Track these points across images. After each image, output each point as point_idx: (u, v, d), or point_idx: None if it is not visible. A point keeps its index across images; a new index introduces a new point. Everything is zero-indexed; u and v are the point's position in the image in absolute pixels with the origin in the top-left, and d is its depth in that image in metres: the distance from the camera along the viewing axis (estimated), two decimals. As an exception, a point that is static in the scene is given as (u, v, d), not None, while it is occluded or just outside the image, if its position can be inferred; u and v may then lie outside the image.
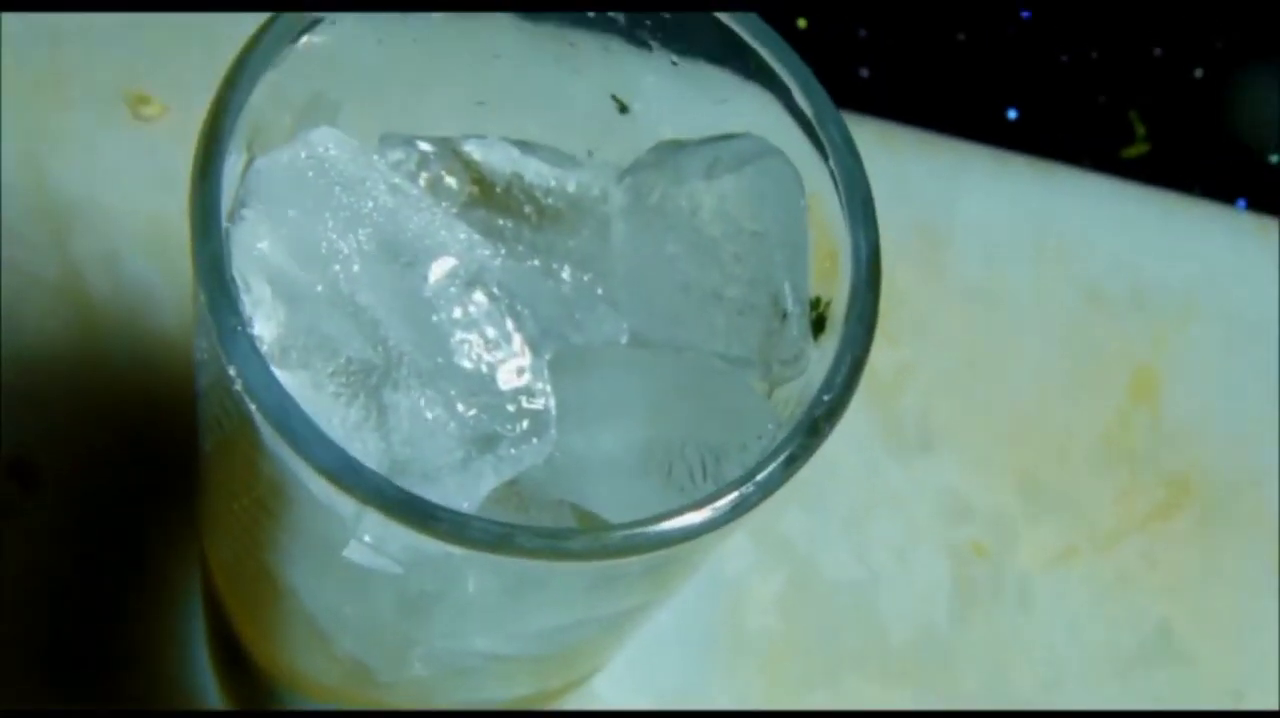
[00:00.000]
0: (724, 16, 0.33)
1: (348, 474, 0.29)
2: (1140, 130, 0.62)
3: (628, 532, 0.30)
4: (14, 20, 0.56)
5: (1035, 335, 0.58)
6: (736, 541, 0.54)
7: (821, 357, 0.33)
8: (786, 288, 0.33)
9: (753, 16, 0.33)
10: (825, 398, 0.31)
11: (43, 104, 0.55)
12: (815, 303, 0.34)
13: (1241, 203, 0.61)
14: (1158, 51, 0.63)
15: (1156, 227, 0.60)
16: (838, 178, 0.32)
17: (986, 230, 0.59)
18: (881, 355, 0.57)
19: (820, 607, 0.54)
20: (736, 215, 0.34)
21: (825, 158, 0.33)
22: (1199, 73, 0.63)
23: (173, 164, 0.55)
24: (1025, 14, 0.64)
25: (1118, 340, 0.59)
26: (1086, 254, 0.59)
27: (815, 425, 0.31)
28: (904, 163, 0.59)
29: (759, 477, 0.30)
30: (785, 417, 0.34)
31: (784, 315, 0.33)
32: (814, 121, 0.33)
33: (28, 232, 0.54)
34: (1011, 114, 0.63)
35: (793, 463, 0.31)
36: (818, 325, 0.33)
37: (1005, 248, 0.59)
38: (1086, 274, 0.59)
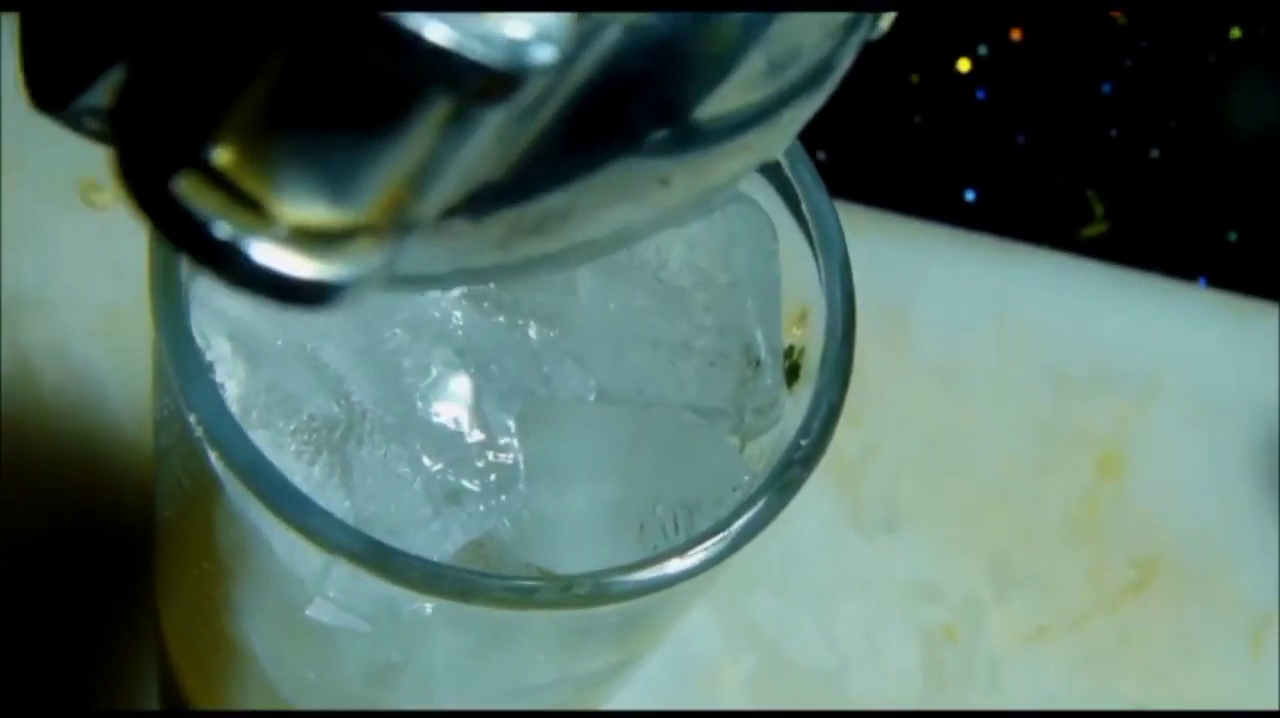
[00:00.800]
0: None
1: (316, 522, 0.28)
2: (1099, 209, 0.62)
3: (601, 580, 0.29)
4: (-37, 107, 0.55)
5: (999, 415, 0.58)
6: (704, 623, 0.53)
7: (795, 405, 0.32)
8: (759, 335, 0.33)
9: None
10: (802, 443, 0.30)
11: (-7, 192, 0.55)
12: (789, 351, 0.33)
13: (1202, 280, 0.61)
14: (1113, 132, 0.64)
15: (1119, 305, 0.60)
16: (809, 221, 0.32)
17: (948, 310, 0.59)
18: (845, 435, 0.57)
19: (791, 691, 0.53)
20: (706, 264, 0.33)
21: (796, 202, 0.32)
22: (1155, 153, 0.63)
23: (125, 252, 0.54)
24: (980, 94, 0.64)
25: (1082, 419, 0.58)
26: (1049, 333, 0.59)
27: (792, 471, 0.30)
28: (864, 243, 0.58)
29: (735, 524, 0.29)
30: (759, 470, 0.33)
31: (757, 364, 0.33)
32: (784, 165, 0.32)
33: (-22, 322, 0.53)
34: (969, 195, 0.63)
35: (769, 510, 0.30)
36: (791, 374, 0.33)
37: (967, 327, 0.59)
38: (1050, 353, 0.59)
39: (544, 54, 0.18)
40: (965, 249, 0.60)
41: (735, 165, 0.25)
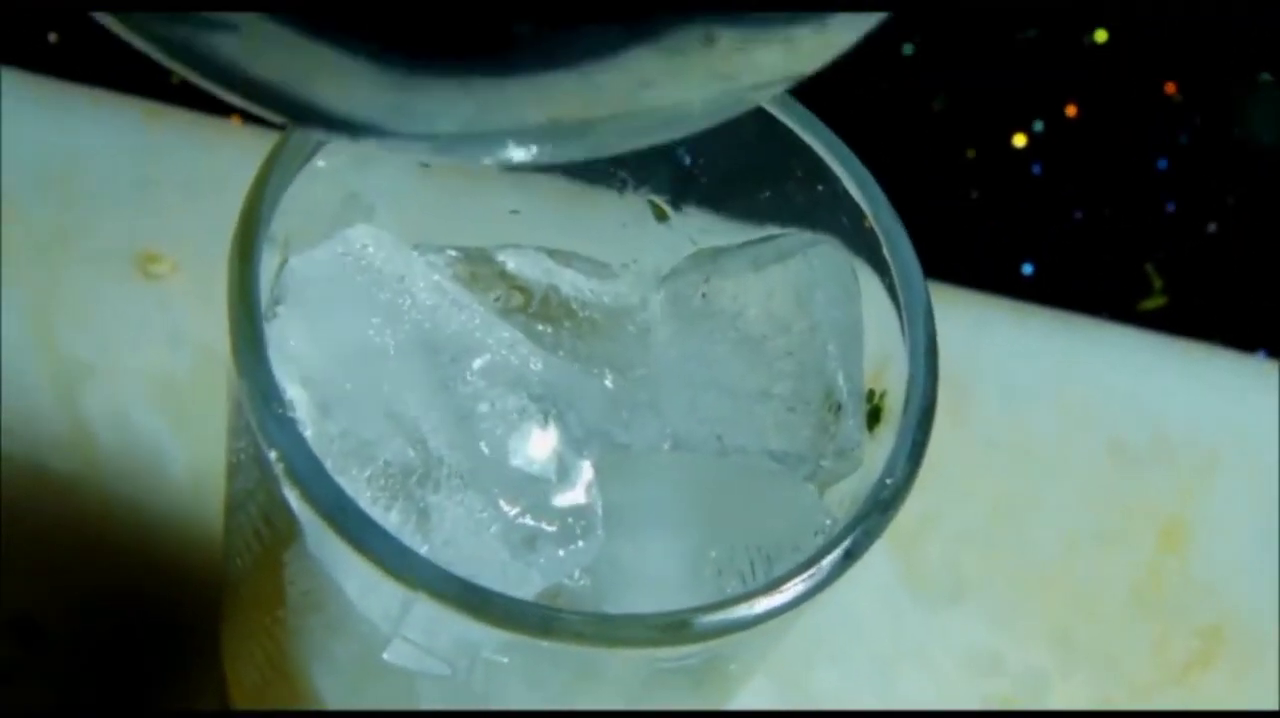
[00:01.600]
0: (775, 111, 0.33)
1: (399, 558, 0.28)
2: (1157, 283, 0.62)
3: (684, 617, 0.28)
4: (20, 179, 0.56)
5: (1060, 486, 0.57)
6: (764, 692, 0.53)
7: (876, 449, 0.32)
8: (840, 378, 0.32)
9: (804, 113, 0.33)
10: (888, 482, 0.30)
11: (51, 264, 0.55)
12: (870, 395, 0.33)
13: (1262, 353, 0.60)
14: (1170, 207, 0.63)
15: (1178, 377, 0.59)
16: (890, 263, 0.32)
17: (1008, 381, 0.58)
18: (905, 506, 0.56)
19: (852, 763, 0.52)
20: (785, 310, 0.33)
21: (876, 246, 0.32)
22: (1212, 227, 0.63)
23: (182, 322, 0.55)
24: (1036, 169, 0.63)
25: (1143, 491, 0.58)
26: (1109, 405, 0.59)
27: (877, 511, 0.29)
28: (922, 314, 0.58)
29: (823, 562, 0.29)
30: (839, 516, 0.33)
31: (838, 408, 0.32)
32: (865, 211, 0.32)
33: (36, 390, 0.53)
34: (1027, 269, 0.62)
35: (855, 550, 0.29)
36: (873, 418, 0.32)
37: (1027, 399, 0.58)
38: (1110, 424, 0.58)
39: None
40: (1024, 321, 0.59)
41: (776, 59, 0.24)
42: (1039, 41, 0.66)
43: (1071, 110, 0.65)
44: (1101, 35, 0.66)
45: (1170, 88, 0.66)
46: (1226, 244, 0.63)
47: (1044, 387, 0.59)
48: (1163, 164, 0.64)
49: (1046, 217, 0.63)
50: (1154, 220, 0.63)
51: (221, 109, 0.58)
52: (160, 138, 0.57)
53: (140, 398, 0.54)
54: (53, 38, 0.59)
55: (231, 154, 0.56)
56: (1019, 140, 0.64)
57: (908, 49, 0.64)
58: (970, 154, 0.64)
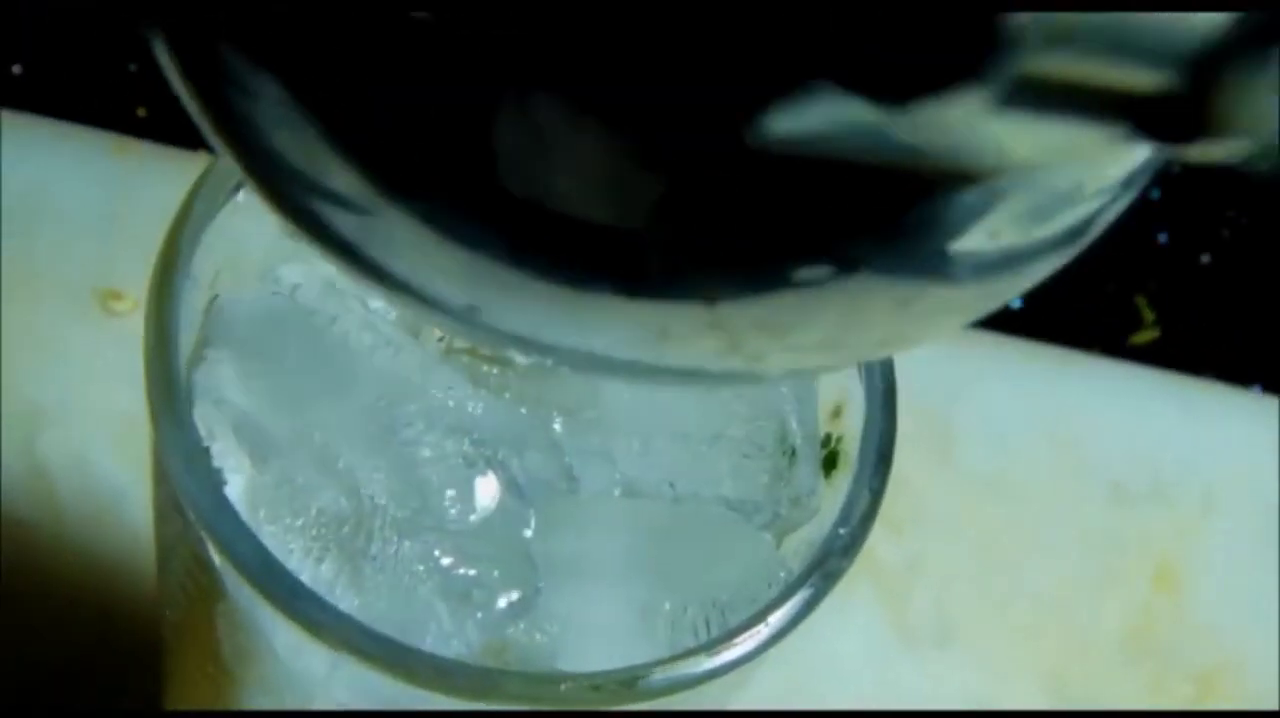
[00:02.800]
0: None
1: (322, 618, 0.26)
2: (1149, 316, 0.60)
3: (630, 676, 0.27)
4: (-18, 217, 0.54)
5: (1051, 526, 0.56)
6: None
7: (833, 496, 0.31)
8: (794, 423, 0.31)
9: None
10: (841, 531, 0.28)
11: (10, 301, 0.53)
12: (826, 440, 0.31)
13: (1258, 387, 0.59)
14: (1162, 238, 0.62)
15: (1172, 413, 0.58)
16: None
17: (995, 418, 0.57)
18: (889, 549, 0.55)
19: (834, 815, 0.51)
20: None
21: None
22: (1205, 258, 0.61)
23: (141, 360, 0.53)
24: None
25: (1138, 531, 0.56)
26: (1101, 441, 0.57)
27: (831, 561, 0.28)
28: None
29: (773, 616, 0.27)
30: (795, 567, 0.31)
31: (793, 453, 0.31)
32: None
33: (-6, 433, 0.52)
34: (1016, 303, 0.61)
35: (807, 604, 0.28)
36: (829, 463, 0.31)
37: (1015, 436, 0.57)
38: (1102, 462, 0.57)
39: None
40: (1012, 356, 0.58)
41: (956, 312, 0.23)
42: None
43: (1062, 139, 0.63)
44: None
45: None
46: (1220, 276, 0.61)
47: (1034, 425, 0.57)
48: (1155, 194, 0.62)
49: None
50: (1146, 251, 0.62)
51: (190, 143, 0.56)
52: (126, 172, 0.55)
53: (101, 441, 0.52)
54: (17, 69, 0.58)
55: (197, 189, 0.55)
56: (1008, 170, 0.63)
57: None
58: (958, 185, 0.62)
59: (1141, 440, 0.57)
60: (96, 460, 0.52)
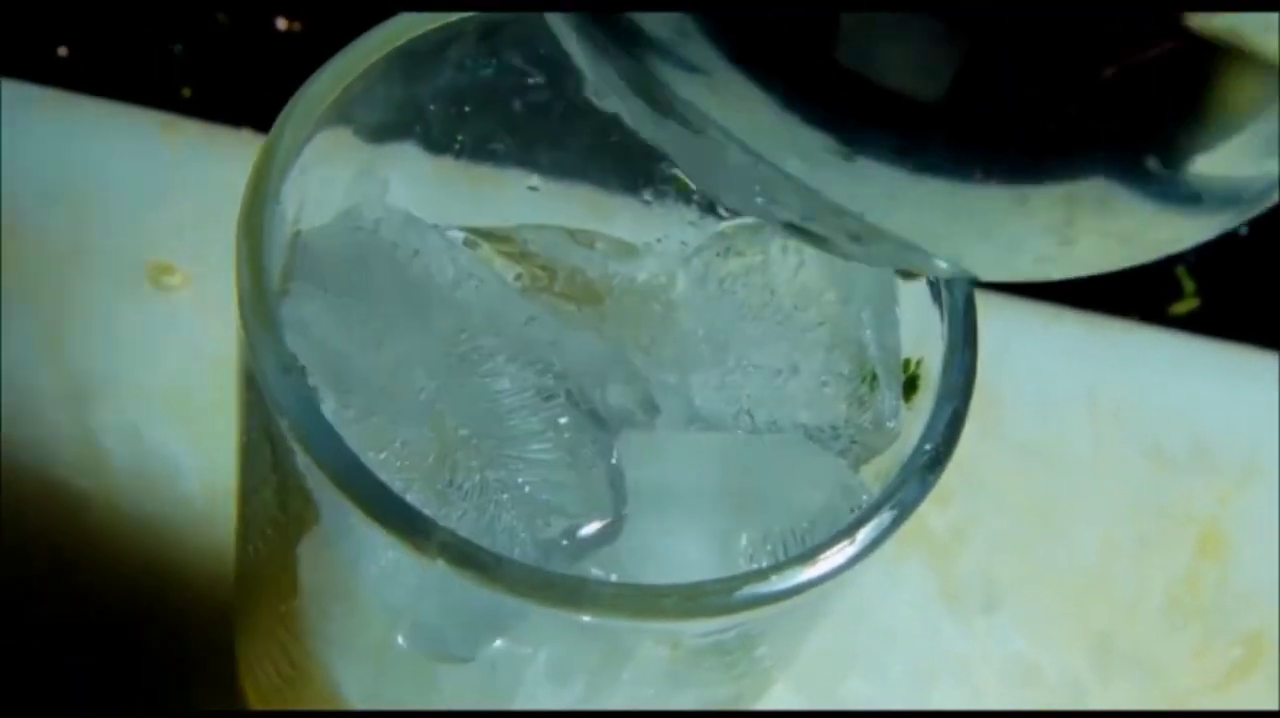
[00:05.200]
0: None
1: (417, 526, 0.26)
2: (1189, 286, 0.61)
3: (725, 586, 0.27)
4: (31, 192, 0.55)
5: (1095, 493, 0.56)
6: (794, 707, 0.51)
7: (914, 420, 0.31)
8: (875, 348, 0.31)
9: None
10: (926, 447, 0.28)
11: (62, 276, 0.54)
12: (906, 364, 0.31)
13: (1297, 355, 0.59)
14: (1200, 211, 0.62)
15: (1213, 380, 0.58)
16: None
17: (1038, 386, 0.57)
18: (936, 516, 0.55)
19: (886, 776, 0.51)
20: (815, 279, 0.32)
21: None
22: (1244, 229, 0.62)
23: (195, 334, 0.53)
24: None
25: (1180, 496, 0.56)
26: (1143, 409, 0.57)
27: (918, 477, 0.28)
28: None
29: (859, 532, 0.28)
30: (877, 491, 0.31)
31: (873, 378, 0.31)
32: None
33: (47, 406, 0.52)
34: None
35: (896, 519, 0.28)
36: (909, 387, 0.31)
37: (1058, 404, 0.57)
38: (1144, 429, 0.57)
39: None
40: (1054, 326, 0.58)
41: (1164, 236, 0.24)
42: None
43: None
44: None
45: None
46: (1259, 245, 0.62)
47: (1076, 392, 0.57)
48: (1192, 167, 0.63)
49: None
50: (1184, 224, 0.62)
51: (236, 120, 0.57)
52: (175, 150, 0.56)
53: (153, 413, 0.52)
54: (63, 51, 0.58)
55: (245, 165, 0.55)
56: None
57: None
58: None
59: (1184, 408, 0.57)
60: (148, 433, 0.52)
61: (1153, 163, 0.21)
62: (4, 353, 0.52)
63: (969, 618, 0.54)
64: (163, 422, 0.52)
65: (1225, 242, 0.61)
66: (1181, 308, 0.60)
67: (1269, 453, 0.57)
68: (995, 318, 0.57)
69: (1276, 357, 0.59)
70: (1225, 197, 0.22)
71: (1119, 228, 0.22)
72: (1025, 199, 0.22)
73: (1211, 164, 0.21)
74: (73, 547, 0.50)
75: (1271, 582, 0.55)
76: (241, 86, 0.59)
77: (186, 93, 0.59)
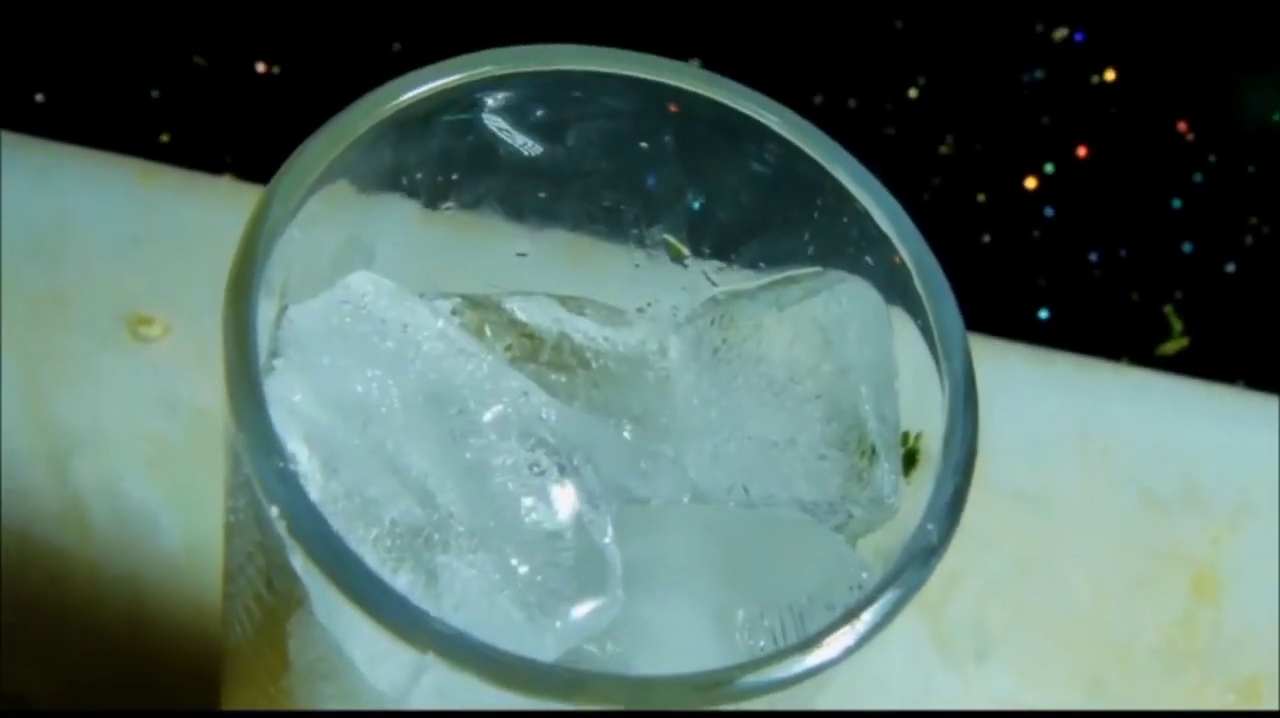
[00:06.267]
0: (793, 138, 0.31)
1: (410, 621, 0.26)
2: (1177, 326, 0.60)
3: (721, 677, 0.26)
4: (7, 241, 0.54)
5: (1087, 536, 0.56)
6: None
7: (912, 494, 0.30)
8: (874, 422, 0.31)
9: (824, 139, 0.31)
10: (929, 527, 0.28)
11: (41, 328, 0.53)
12: (905, 437, 0.31)
13: (1288, 394, 0.59)
14: (1187, 247, 0.62)
15: (1204, 421, 0.57)
16: (924, 297, 0.30)
17: (1028, 430, 0.57)
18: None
19: (881, 829, 0.50)
20: (812, 350, 0.31)
21: (908, 277, 0.30)
22: (1231, 267, 0.61)
23: (174, 385, 0.53)
24: (1049, 212, 0.62)
25: (1173, 539, 0.56)
26: (1134, 451, 0.57)
27: (921, 560, 0.28)
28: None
29: (863, 615, 0.27)
30: (876, 568, 0.31)
31: (872, 453, 0.31)
32: (894, 242, 0.30)
33: (27, 460, 0.51)
34: (1043, 314, 0.61)
35: (898, 602, 0.27)
36: (909, 461, 0.31)
37: (1048, 447, 0.57)
38: (1135, 471, 0.57)
39: None
40: (1043, 368, 0.58)
41: None
42: (1047, 82, 0.65)
43: (1082, 151, 0.63)
44: (1110, 74, 0.65)
45: (1182, 125, 0.64)
46: (1247, 283, 0.61)
47: (1066, 435, 0.57)
48: (1177, 203, 0.63)
49: (1061, 260, 0.61)
50: (1171, 261, 0.62)
51: (216, 163, 0.56)
52: (153, 197, 0.55)
53: (132, 466, 0.52)
54: (39, 98, 0.58)
55: (225, 212, 0.54)
56: (1030, 183, 0.63)
57: (913, 92, 0.63)
58: (980, 198, 0.62)
59: (1175, 449, 0.57)
60: (129, 486, 0.51)
61: None
62: (-18, 408, 0.51)
63: (961, 664, 0.53)
64: (143, 477, 0.51)
65: (1212, 280, 0.61)
66: (1170, 348, 0.60)
67: (1261, 493, 0.57)
68: (984, 360, 0.56)
69: (1266, 396, 0.58)
70: None
71: None
72: None
73: None
74: (54, 607, 0.49)
75: (1266, 625, 0.55)
76: (221, 130, 0.58)
77: (165, 138, 0.58)
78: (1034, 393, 0.57)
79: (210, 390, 0.52)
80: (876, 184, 0.31)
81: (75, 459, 0.51)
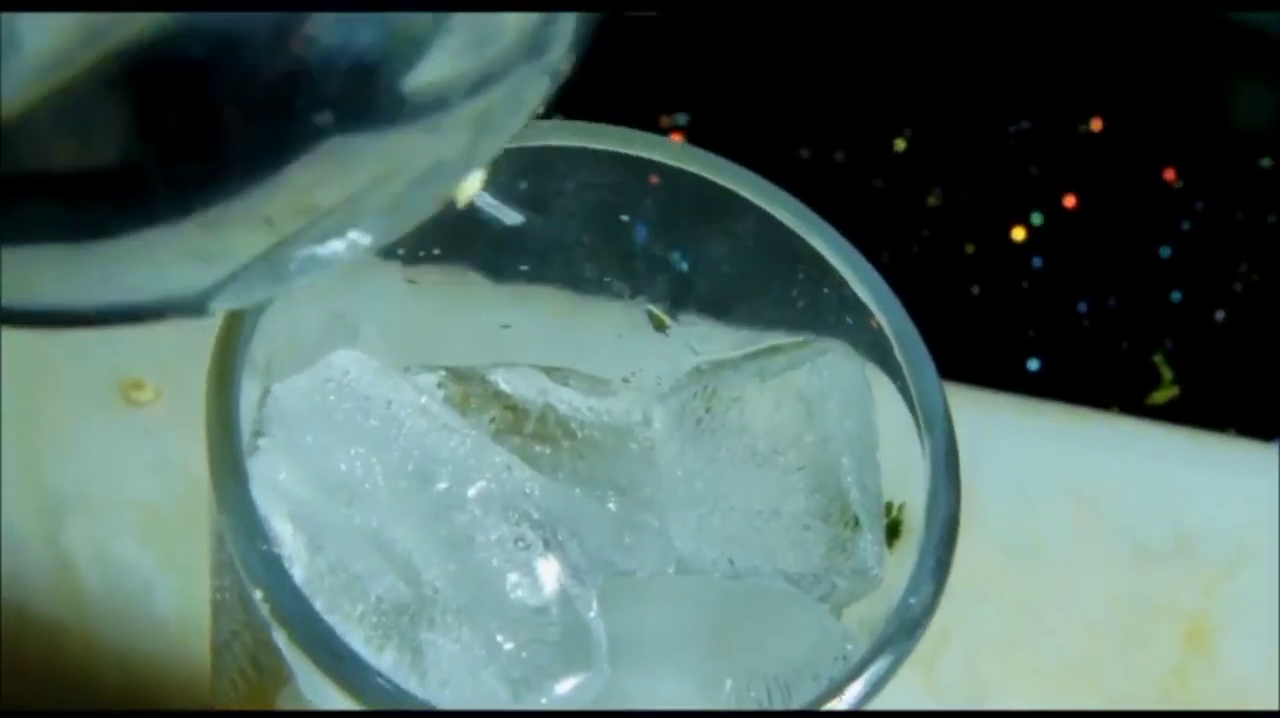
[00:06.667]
0: (774, 210, 0.31)
1: (397, 705, 0.26)
2: (1167, 375, 0.60)
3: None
4: (1, 309, 0.54)
5: (1079, 588, 0.55)
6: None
7: (895, 565, 0.30)
8: (856, 493, 0.31)
9: (805, 211, 0.31)
10: (912, 601, 0.28)
11: (32, 392, 0.53)
12: (888, 508, 0.31)
13: (1278, 442, 0.59)
14: (1176, 296, 0.62)
15: (1195, 470, 0.58)
16: (904, 367, 0.30)
17: (1017, 481, 0.57)
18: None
19: None
20: (794, 421, 0.32)
21: (889, 348, 0.30)
22: (1220, 314, 0.62)
23: (167, 450, 0.53)
24: (1037, 263, 0.62)
25: (1166, 590, 0.56)
26: (1125, 502, 0.57)
27: (905, 633, 0.28)
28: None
29: (848, 690, 0.27)
30: (860, 639, 0.31)
31: (855, 523, 0.31)
32: (874, 312, 0.31)
33: (19, 526, 0.51)
34: (1033, 365, 0.61)
35: (883, 676, 0.28)
36: (892, 532, 0.31)
37: (1039, 498, 0.57)
38: (1127, 522, 0.57)
39: None
40: (1033, 418, 0.58)
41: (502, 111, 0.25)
42: (1033, 132, 0.65)
43: (1070, 201, 0.64)
44: (1097, 124, 0.65)
45: (1170, 174, 0.64)
46: (1236, 331, 0.62)
47: (1057, 486, 0.57)
48: (1166, 252, 0.63)
49: (1050, 310, 0.62)
50: (1160, 310, 0.62)
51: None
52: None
53: (125, 531, 0.52)
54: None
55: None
56: (1018, 233, 0.63)
57: (900, 144, 0.63)
58: (969, 249, 0.62)
59: (1166, 499, 0.57)
60: (121, 552, 0.51)
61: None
62: (-27, 473, 0.51)
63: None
64: (135, 541, 0.51)
65: (1202, 330, 0.61)
66: (1161, 397, 0.60)
67: (1254, 542, 0.57)
68: (972, 411, 0.56)
69: (1258, 444, 0.58)
70: (434, 102, 0.24)
71: (375, 170, 0.24)
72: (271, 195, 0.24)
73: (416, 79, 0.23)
74: (47, 675, 0.49)
75: (1261, 675, 0.55)
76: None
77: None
78: (1024, 444, 0.57)
79: (201, 455, 0.52)
80: (855, 253, 0.31)
81: (67, 524, 0.51)
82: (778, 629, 0.31)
